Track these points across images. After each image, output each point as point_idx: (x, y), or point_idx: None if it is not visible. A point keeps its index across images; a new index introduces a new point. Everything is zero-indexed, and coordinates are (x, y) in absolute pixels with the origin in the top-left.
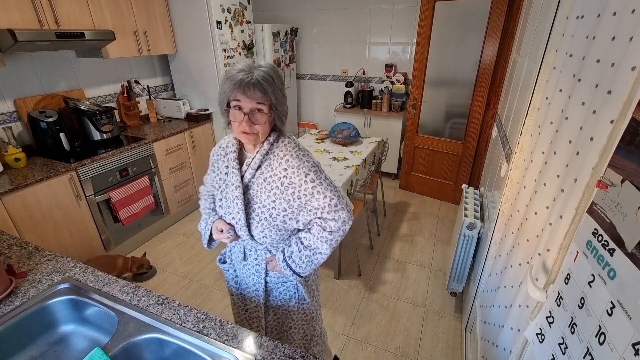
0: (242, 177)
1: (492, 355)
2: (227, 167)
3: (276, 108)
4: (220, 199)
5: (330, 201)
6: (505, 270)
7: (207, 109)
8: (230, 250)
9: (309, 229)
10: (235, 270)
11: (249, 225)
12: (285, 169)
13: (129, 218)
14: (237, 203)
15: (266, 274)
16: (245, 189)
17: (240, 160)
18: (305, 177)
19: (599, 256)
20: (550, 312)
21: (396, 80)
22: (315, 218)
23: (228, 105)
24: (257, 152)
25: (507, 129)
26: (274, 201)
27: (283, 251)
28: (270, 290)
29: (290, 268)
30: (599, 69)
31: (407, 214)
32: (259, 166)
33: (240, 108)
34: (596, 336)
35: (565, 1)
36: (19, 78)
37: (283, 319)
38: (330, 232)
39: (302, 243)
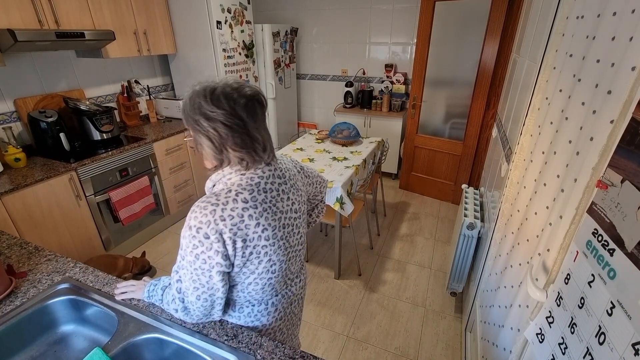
0: None
1: (492, 355)
2: None
3: (193, 137)
4: None
5: (181, 293)
6: (505, 270)
7: None
8: None
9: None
10: None
11: None
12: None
13: (129, 218)
14: None
15: None
16: None
17: None
18: (190, 212)
19: (599, 256)
20: (550, 312)
21: (396, 80)
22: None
23: None
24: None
25: (507, 129)
26: None
27: (152, 283)
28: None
29: (148, 292)
30: (599, 69)
31: (407, 214)
32: None
33: None
34: (596, 336)
35: (565, 1)
36: (19, 78)
37: None
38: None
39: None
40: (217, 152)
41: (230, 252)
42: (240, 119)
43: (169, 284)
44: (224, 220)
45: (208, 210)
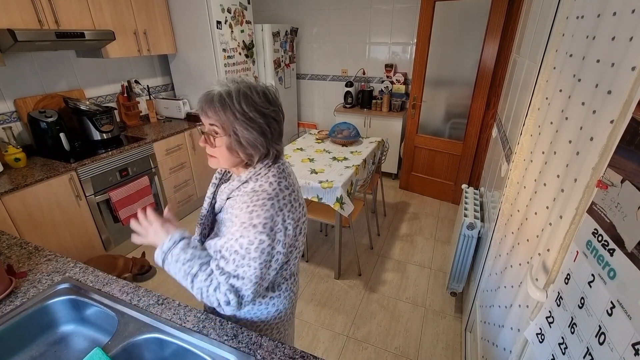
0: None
1: (492, 355)
2: (215, 177)
3: (235, 134)
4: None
5: (237, 275)
6: (505, 270)
7: None
8: None
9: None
10: None
11: (202, 242)
12: (236, 216)
13: (129, 218)
14: (204, 217)
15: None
16: (219, 210)
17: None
18: (240, 237)
19: (599, 256)
20: (550, 312)
21: (396, 80)
22: (217, 257)
23: None
24: (230, 182)
25: (507, 129)
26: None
27: (186, 238)
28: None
29: (172, 245)
30: (599, 69)
31: (407, 214)
32: (228, 197)
33: (202, 126)
34: (596, 336)
35: (565, 1)
36: (19, 78)
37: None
38: (217, 294)
39: (204, 263)
40: (264, 148)
41: (290, 237)
42: (282, 116)
43: (206, 270)
44: (282, 210)
45: (268, 206)
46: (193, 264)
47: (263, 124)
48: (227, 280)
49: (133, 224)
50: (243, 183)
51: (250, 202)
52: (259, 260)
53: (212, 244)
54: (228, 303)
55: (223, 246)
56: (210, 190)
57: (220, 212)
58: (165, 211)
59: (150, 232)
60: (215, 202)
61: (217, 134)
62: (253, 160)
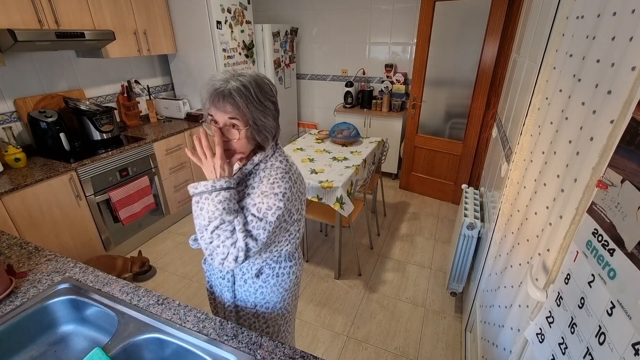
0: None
1: (492, 355)
2: None
3: (255, 123)
4: None
5: (252, 230)
6: (505, 270)
7: None
8: None
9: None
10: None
11: None
12: (253, 188)
13: (129, 218)
14: None
15: (233, 281)
16: None
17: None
18: (263, 196)
19: (599, 256)
20: (550, 312)
21: (396, 80)
22: (246, 212)
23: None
24: (240, 169)
25: (507, 129)
26: None
27: (233, 191)
28: (230, 310)
29: (212, 185)
30: (599, 69)
31: (407, 214)
32: (239, 183)
33: (216, 122)
34: (596, 336)
35: (565, 1)
36: (19, 78)
37: (250, 327)
38: (233, 245)
39: (230, 216)
40: (274, 129)
41: (300, 205)
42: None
43: (231, 225)
44: (296, 182)
45: (286, 178)
46: (225, 216)
47: (273, 110)
48: (244, 238)
49: (196, 142)
50: (256, 165)
51: (271, 176)
52: (273, 225)
53: None
54: (236, 259)
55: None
56: None
57: None
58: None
59: (209, 163)
60: None
61: (236, 126)
62: (268, 142)
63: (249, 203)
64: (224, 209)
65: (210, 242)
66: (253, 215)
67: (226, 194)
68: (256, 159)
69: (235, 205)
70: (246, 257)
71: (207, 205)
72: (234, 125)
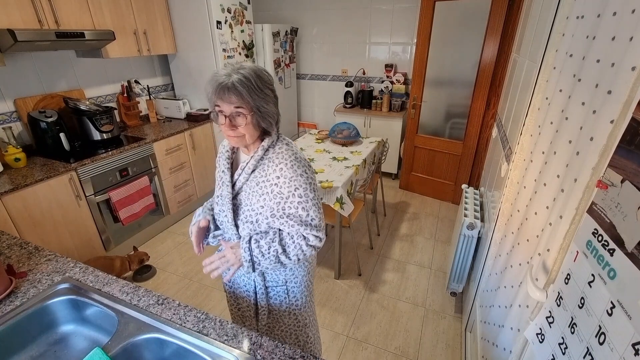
0: (234, 179)
1: (492, 355)
2: (224, 165)
3: (258, 110)
4: (218, 196)
5: (312, 221)
6: (505, 270)
7: (207, 109)
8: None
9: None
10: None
11: (237, 226)
12: (278, 177)
13: (129, 218)
14: (227, 201)
15: (258, 276)
16: (240, 189)
17: (237, 161)
18: (295, 191)
19: (599, 256)
20: (550, 312)
21: (396, 80)
22: (298, 228)
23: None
24: (252, 157)
25: (507, 129)
26: (262, 207)
27: (251, 237)
28: (262, 293)
29: (250, 251)
30: (599, 69)
31: (407, 214)
32: (253, 170)
33: (222, 112)
34: (596, 336)
35: (565, 1)
36: (19, 78)
37: (274, 322)
38: (308, 245)
39: (280, 238)
40: (276, 115)
41: (315, 183)
42: None
43: (284, 240)
44: (308, 163)
45: (300, 160)
46: (273, 248)
47: (272, 96)
48: (304, 231)
49: (208, 269)
50: (266, 150)
51: (288, 161)
52: (317, 198)
53: (269, 221)
54: (320, 241)
55: (283, 208)
56: (225, 176)
57: (239, 190)
58: (203, 222)
59: (226, 261)
60: (235, 183)
61: (241, 114)
62: (272, 127)
63: (286, 196)
64: (267, 250)
65: (297, 259)
66: (299, 202)
67: (255, 249)
68: (265, 143)
69: (265, 233)
70: (317, 231)
71: (264, 263)
72: (239, 114)
